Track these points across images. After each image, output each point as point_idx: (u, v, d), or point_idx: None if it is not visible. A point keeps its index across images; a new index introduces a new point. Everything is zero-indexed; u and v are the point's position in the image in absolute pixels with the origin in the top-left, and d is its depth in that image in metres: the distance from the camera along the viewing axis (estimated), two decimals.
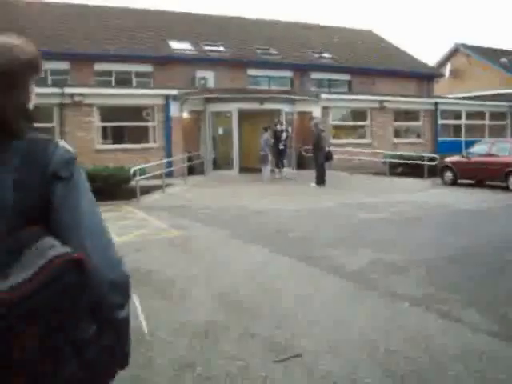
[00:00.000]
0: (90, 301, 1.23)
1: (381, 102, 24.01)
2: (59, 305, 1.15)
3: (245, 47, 26.57)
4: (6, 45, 1.39)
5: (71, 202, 1.32)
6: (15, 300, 1.10)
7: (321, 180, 16.70)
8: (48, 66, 22.02)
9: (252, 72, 25.64)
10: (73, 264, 1.17)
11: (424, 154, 19.58)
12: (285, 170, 19.16)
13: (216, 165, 20.36)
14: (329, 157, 17.45)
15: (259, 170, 18.89)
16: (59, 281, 1.15)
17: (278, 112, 20.71)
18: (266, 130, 18.65)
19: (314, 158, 17.35)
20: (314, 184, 16.66)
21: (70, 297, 1.17)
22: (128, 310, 1.36)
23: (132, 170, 14.42)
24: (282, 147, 18.73)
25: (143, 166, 15.10)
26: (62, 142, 1.40)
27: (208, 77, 23.73)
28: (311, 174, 17.38)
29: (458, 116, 26.79)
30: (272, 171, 18.95)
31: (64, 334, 1.17)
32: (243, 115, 20.16)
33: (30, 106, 1.52)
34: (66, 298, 1.16)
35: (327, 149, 17.51)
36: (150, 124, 20.19)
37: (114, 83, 22.99)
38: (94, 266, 1.24)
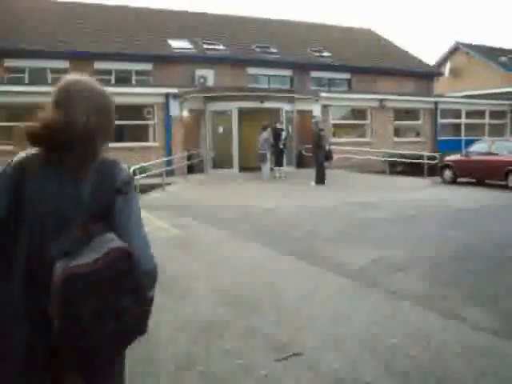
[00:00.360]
0: (131, 281, 1.72)
1: (381, 100, 24.02)
2: (113, 280, 1.66)
3: (244, 46, 26.56)
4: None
5: (126, 212, 1.85)
6: (92, 269, 1.63)
7: (320, 179, 16.70)
8: (48, 64, 22.06)
9: (252, 71, 25.63)
10: (125, 254, 1.70)
11: (424, 153, 19.60)
12: (284, 168, 19.15)
13: (216, 163, 20.35)
14: (328, 156, 17.44)
15: (259, 169, 18.88)
16: (115, 265, 1.66)
17: (277, 111, 20.70)
18: (264, 128, 18.63)
19: (314, 157, 17.35)
20: (313, 183, 16.67)
21: (120, 276, 1.68)
22: (153, 292, 1.89)
23: (132, 169, 14.42)
24: (281, 146, 18.72)
25: (143, 164, 15.10)
26: (124, 166, 1.91)
27: (208, 75, 23.72)
28: (311, 172, 17.38)
29: (457, 115, 26.80)
30: (272, 170, 18.96)
31: (112, 301, 1.66)
32: (243, 114, 20.15)
33: None
34: (118, 277, 1.67)
35: (327, 148, 17.50)
36: (149, 122, 20.18)
37: (113, 82, 22.98)
38: (137, 258, 1.74)
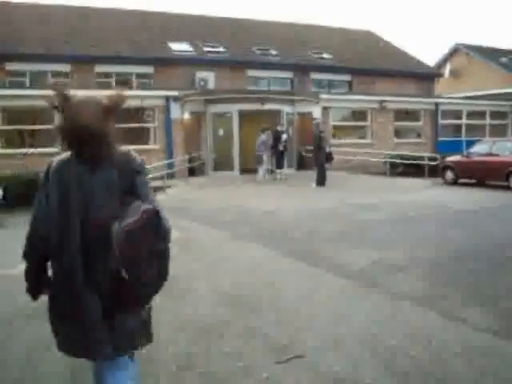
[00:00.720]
0: (162, 230, 2.40)
1: (381, 102, 24.03)
2: (150, 231, 2.33)
3: (244, 48, 26.60)
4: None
5: (144, 185, 2.56)
6: (137, 226, 2.30)
7: (321, 181, 16.72)
8: (49, 68, 22.11)
9: (252, 73, 25.67)
10: (154, 212, 2.37)
11: (425, 154, 19.60)
12: (285, 170, 19.17)
13: (217, 166, 20.36)
14: (329, 158, 17.45)
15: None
16: (150, 220, 2.34)
17: (278, 113, 20.72)
18: (263, 131, 18.69)
19: (315, 159, 17.37)
20: (314, 184, 16.69)
21: (154, 228, 2.36)
22: (168, 245, 2.49)
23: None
24: (281, 148, 18.74)
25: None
26: (135, 154, 2.62)
27: (208, 78, 23.78)
28: (312, 174, 17.41)
29: (458, 116, 26.80)
30: (272, 172, 18.98)
31: (154, 246, 2.37)
32: (244, 116, 20.17)
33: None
34: (153, 228, 2.35)
35: (328, 149, 17.52)
36: (150, 125, 20.22)
37: (114, 85, 23.02)
38: (162, 214, 2.41)
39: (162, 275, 2.48)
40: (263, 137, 18.47)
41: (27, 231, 2.54)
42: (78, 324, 2.45)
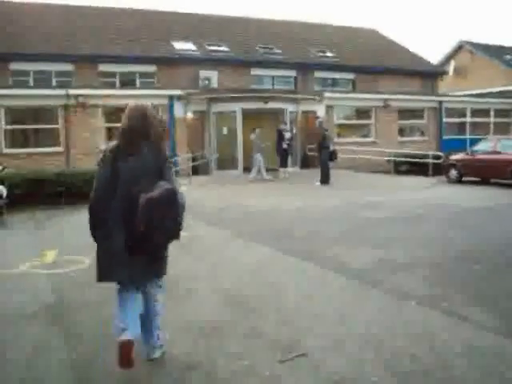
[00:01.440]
0: (176, 204, 3.58)
1: (385, 100, 24.00)
2: (165, 203, 3.47)
3: (248, 47, 26.59)
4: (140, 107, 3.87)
5: (169, 170, 3.71)
6: (158, 197, 3.46)
7: (325, 179, 16.73)
8: (52, 67, 22.16)
9: (255, 71, 25.66)
10: (173, 191, 3.54)
11: (429, 152, 19.55)
12: (289, 169, 19.17)
13: (220, 165, 20.36)
14: (333, 156, 17.44)
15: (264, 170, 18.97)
16: (168, 195, 3.50)
17: (281, 111, 20.71)
18: (253, 130, 18.68)
19: (319, 157, 17.37)
20: (318, 183, 16.69)
21: (170, 202, 3.51)
22: (183, 215, 3.69)
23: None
24: (285, 146, 18.74)
25: None
26: (165, 148, 3.83)
27: (211, 77, 23.79)
28: (316, 172, 17.42)
29: (462, 114, 26.73)
30: (277, 170, 18.99)
31: (168, 212, 3.52)
32: (247, 115, 20.16)
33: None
34: (168, 201, 3.50)
35: (332, 148, 17.52)
36: None
37: (118, 84, 23.05)
38: (179, 193, 3.61)
39: (171, 234, 3.67)
40: (252, 136, 18.46)
41: (91, 194, 3.66)
42: (126, 249, 3.62)
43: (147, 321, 3.84)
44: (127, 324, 3.62)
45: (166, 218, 3.52)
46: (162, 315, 3.97)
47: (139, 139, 3.64)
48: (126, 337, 3.55)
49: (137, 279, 3.73)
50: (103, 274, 3.70)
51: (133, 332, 3.61)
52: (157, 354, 3.92)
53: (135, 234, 3.48)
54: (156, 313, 3.89)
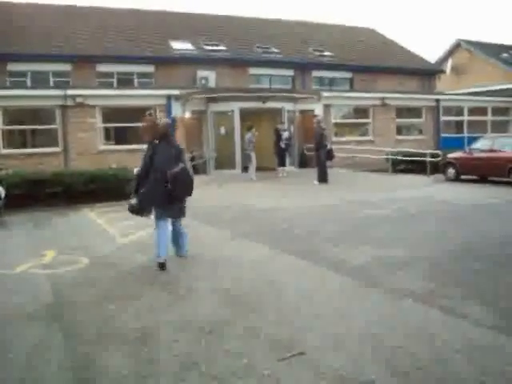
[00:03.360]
0: (189, 175, 6.81)
1: (382, 99, 24.02)
2: (183, 175, 6.65)
3: (246, 46, 26.60)
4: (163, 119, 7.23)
5: (183, 156, 6.92)
6: (178, 171, 6.60)
7: (323, 178, 16.77)
8: (50, 67, 22.15)
9: (253, 71, 25.66)
10: (186, 169, 6.78)
11: (426, 151, 19.56)
12: (286, 168, 19.18)
13: (219, 164, 20.37)
14: (330, 155, 17.49)
15: (262, 169, 18.97)
16: (184, 171, 6.68)
17: (279, 111, 20.71)
18: (249, 129, 18.68)
19: (316, 156, 17.40)
20: (316, 182, 16.72)
21: (186, 175, 6.73)
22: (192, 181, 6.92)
23: (135, 171, 14.45)
24: (283, 146, 18.75)
25: None
26: (179, 143, 7.39)
27: (209, 76, 23.77)
28: (314, 172, 17.47)
29: (460, 112, 26.76)
30: (275, 170, 19.01)
31: (185, 180, 6.71)
32: (245, 114, 20.16)
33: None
34: (184, 174, 6.68)
35: (329, 147, 17.57)
36: None
37: (115, 84, 23.04)
38: (189, 171, 6.93)
39: (188, 191, 6.80)
40: (249, 135, 18.50)
41: (138, 169, 6.84)
42: (160, 194, 6.56)
43: (179, 238, 7.22)
44: (160, 251, 6.69)
45: (183, 184, 6.65)
46: (186, 235, 7.28)
47: (165, 139, 6.73)
48: (160, 260, 6.70)
49: (169, 216, 6.90)
50: (148, 205, 6.73)
51: (163, 255, 6.70)
52: (184, 253, 7.27)
53: (168, 192, 6.56)
54: (182, 233, 7.21)
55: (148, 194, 6.52)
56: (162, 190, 6.46)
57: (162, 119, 6.87)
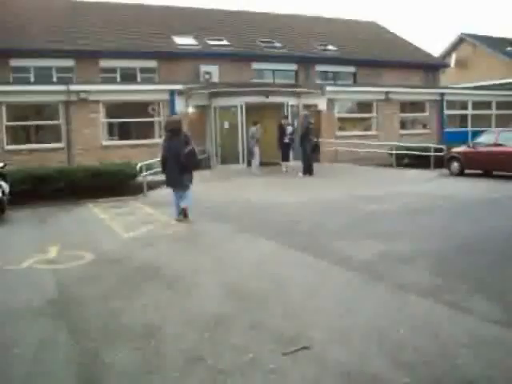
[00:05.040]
0: (195, 155, 10.00)
1: (386, 93, 23.91)
2: (191, 154, 9.75)
3: (249, 41, 26.52)
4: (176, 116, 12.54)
5: (191, 142, 9.93)
6: (188, 152, 9.71)
7: (307, 170, 17.52)
8: (53, 63, 22.11)
9: (256, 65, 25.58)
10: (193, 150, 9.89)
11: (430, 145, 19.50)
12: (290, 163, 19.15)
13: (222, 159, 20.35)
14: (316, 149, 18.31)
15: (266, 164, 18.95)
16: (192, 152, 9.79)
17: (283, 105, 20.66)
18: (254, 124, 18.74)
19: (302, 149, 17.99)
20: (301, 174, 17.41)
21: (193, 154, 9.85)
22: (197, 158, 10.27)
23: (139, 166, 14.47)
24: (287, 141, 18.74)
25: (150, 161, 15.13)
26: (188, 134, 10.54)
27: (212, 71, 23.70)
28: (317, 166, 17.59)
29: (464, 106, 26.65)
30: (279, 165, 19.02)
31: (192, 157, 9.85)
32: (248, 109, 20.11)
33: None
34: (192, 153, 9.79)
35: (314, 140, 18.21)
36: (155, 119, 20.20)
37: (118, 79, 23.02)
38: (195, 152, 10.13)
39: (195, 164, 10.06)
40: (253, 129, 18.58)
41: (160, 156, 10.12)
42: (173, 177, 9.82)
43: (182, 199, 9.90)
44: (176, 210, 10.00)
45: (191, 159, 9.62)
46: (189, 198, 9.98)
47: (177, 132, 9.78)
48: (176, 216, 9.96)
49: (178, 187, 9.89)
50: (167, 185, 10.16)
51: (176, 216, 9.98)
52: (184, 206, 9.95)
53: (181, 165, 9.53)
54: (187, 197, 9.95)
55: (167, 179, 10.14)
56: (174, 172, 9.77)
57: (173, 116, 10.96)
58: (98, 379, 3.66)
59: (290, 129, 18.97)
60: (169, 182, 10.07)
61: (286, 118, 19.64)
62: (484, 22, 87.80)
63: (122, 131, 20.07)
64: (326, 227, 8.91)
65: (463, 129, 25.73)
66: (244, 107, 20.07)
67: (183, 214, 9.87)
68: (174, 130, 9.79)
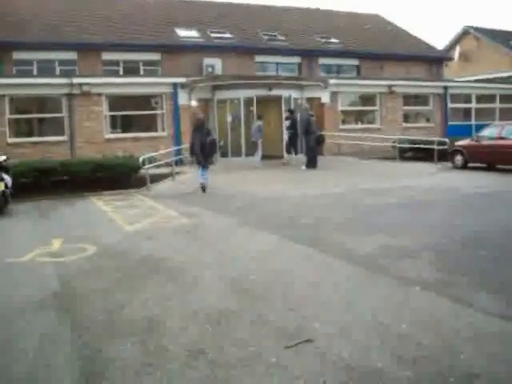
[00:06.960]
0: (215, 144, 13.94)
1: (390, 86, 23.84)
2: (213, 143, 13.57)
3: (252, 34, 26.45)
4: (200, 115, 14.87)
5: (212, 133, 14.34)
6: (211, 141, 13.40)
7: (311, 163, 17.39)
8: (55, 56, 22.09)
9: (259, 58, 25.54)
10: (215, 139, 14.01)
11: (434, 138, 19.44)
12: (294, 156, 19.12)
13: (225, 152, 20.32)
14: (321, 140, 18.25)
15: (268, 157, 18.94)
16: (214, 141, 13.79)
17: (286, 98, 20.60)
18: (259, 117, 18.74)
19: (305, 143, 18.02)
20: (304, 167, 17.35)
21: (215, 143, 13.75)
22: (217, 147, 14.57)
23: (141, 159, 14.48)
24: (289, 135, 18.71)
25: (152, 154, 15.13)
26: (209, 127, 14.92)
27: (215, 64, 23.66)
28: (320, 159, 17.57)
29: (467, 99, 26.54)
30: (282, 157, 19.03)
31: (214, 146, 13.68)
32: (251, 102, 20.06)
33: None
34: (214, 143, 13.70)
35: (318, 132, 18.16)
36: (158, 112, 20.17)
37: (121, 72, 22.99)
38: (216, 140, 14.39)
39: (215, 150, 14.14)
40: (258, 123, 18.53)
41: (189, 144, 13.82)
42: (199, 158, 13.21)
43: (204, 176, 13.13)
44: (200, 180, 13.12)
45: (213, 147, 13.45)
46: (207, 177, 13.24)
47: (202, 126, 13.45)
48: (200, 185, 13.08)
49: (204, 163, 13.09)
50: (197, 162, 13.35)
51: (201, 181, 13.15)
52: (205, 181, 13.07)
53: (205, 151, 13.05)
54: (205, 173, 13.16)
55: (196, 155, 13.21)
56: (199, 155, 12.97)
57: (199, 114, 14.62)
58: (100, 372, 3.66)
59: (286, 123, 18.92)
60: (198, 161, 13.30)
61: (292, 112, 19.42)
62: (488, 16, 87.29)
63: (125, 124, 20.06)
64: (328, 220, 8.89)
65: (467, 122, 25.64)
66: (247, 100, 20.03)
67: (202, 188, 13.01)
68: (199, 125, 13.42)
